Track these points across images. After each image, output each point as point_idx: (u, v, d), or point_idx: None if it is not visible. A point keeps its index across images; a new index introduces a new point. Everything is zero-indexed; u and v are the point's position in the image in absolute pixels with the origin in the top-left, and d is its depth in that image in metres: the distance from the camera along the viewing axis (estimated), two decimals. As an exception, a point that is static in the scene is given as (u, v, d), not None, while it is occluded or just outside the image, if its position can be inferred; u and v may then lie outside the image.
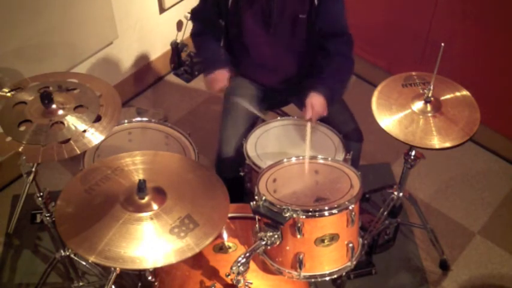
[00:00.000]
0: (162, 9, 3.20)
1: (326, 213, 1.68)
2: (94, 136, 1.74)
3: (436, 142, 1.98)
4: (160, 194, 1.66)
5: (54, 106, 1.75)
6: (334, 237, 1.72)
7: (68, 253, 2.13)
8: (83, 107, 1.79)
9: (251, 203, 1.73)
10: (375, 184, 2.76)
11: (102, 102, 1.84)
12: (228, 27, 2.33)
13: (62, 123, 1.74)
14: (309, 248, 1.72)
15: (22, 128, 1.72)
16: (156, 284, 1.86)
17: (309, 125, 2.10)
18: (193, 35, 2.43)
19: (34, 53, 2.60)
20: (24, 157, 1.67)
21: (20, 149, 1.67)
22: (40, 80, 1.90)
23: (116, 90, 1.92)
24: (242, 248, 1.85)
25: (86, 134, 1.73)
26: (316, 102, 2.15)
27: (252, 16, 2.26)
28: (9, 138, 1.70)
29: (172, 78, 3.42)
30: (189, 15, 2.79)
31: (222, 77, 2.28)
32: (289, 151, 2.22)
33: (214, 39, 2.37)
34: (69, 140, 1.71)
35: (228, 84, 2.29)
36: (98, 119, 1.78)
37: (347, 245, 1.75)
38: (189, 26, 2.50)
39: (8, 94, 1.84)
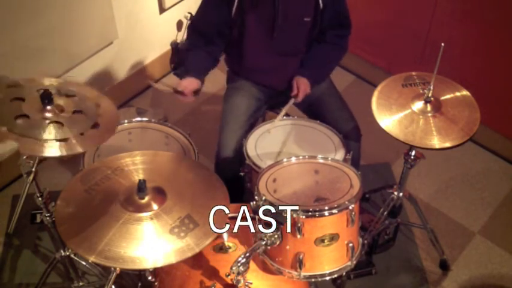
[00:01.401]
0: (162, 9, 3.20)
1: (326, 213, 1.68)
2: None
3: (436, 142, 1.98)
4: (160, 194, 1.66)
5: (51, 109, 1.72)
6: (334, 237, 1.72)
7: (68, 253, 2.13)
8: (82, 113, 1.77)
9: (251, 203, 1.73)
10: (375, 184, 2.76)
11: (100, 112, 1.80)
12: (229, 33, 2.33)
13: (61, 123, 1.73)
14: (309, 248, 1.72)
15: (19, 121, 1.68)
16: (156, 284, 1.86)
17: (292, 100, 2.37)
18: (187, 50, 2.42)
19: (34, 53, 2.60)
20: (24, 157, 1.66)
21: (15, 142, 1.63)
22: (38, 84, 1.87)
23: (114, 107, 1.86)
24: (242, 248, 1.85)
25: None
26: (301, 83, 2.34)
27: (255, 21, 2.26)
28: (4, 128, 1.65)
29: (172, 78, 3.42)
30: (189, 15, 2.79)
31: (189, 83, 2.24)
32: (289, 151, 2.23)
33: (204, 53, 2.35)
34: (69, 139, 1.70)
35: (192, 96, 2.25)
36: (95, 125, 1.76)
37: (347, 244, 1.75)
38: (189, 26, 2.50)
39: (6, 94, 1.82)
